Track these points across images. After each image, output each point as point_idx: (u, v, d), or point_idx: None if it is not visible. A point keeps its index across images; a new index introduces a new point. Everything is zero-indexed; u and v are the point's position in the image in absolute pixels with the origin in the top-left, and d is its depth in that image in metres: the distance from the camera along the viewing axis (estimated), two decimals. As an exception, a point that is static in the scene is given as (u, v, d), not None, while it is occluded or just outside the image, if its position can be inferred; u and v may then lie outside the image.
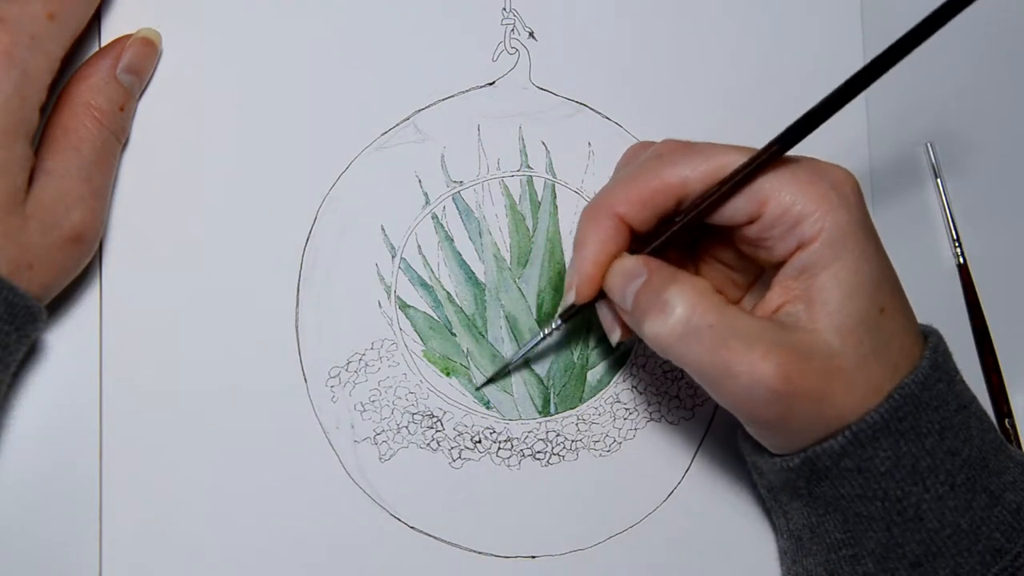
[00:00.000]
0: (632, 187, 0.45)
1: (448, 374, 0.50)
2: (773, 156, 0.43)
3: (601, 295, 0.47)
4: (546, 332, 0.49)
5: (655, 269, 0.45)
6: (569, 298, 0.47)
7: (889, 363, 0.43)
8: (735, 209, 0.44)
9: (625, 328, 0.47)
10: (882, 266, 0.44)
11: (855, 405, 0.43)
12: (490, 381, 0.50)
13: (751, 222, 0.44)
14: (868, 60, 0.43)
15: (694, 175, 0.45)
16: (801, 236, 0.43)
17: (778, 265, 0.45)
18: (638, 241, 0.46)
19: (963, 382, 0.46)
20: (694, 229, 0.47)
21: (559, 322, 0.48)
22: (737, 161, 0.44)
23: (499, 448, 0.50)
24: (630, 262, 0.45)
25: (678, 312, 0.43)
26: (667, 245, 0.46)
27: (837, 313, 0.43)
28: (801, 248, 0.43)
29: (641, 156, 0.47)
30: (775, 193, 0.43)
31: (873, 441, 0.43)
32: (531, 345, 0.49)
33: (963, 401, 0.45)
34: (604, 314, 0.48)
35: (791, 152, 0.44)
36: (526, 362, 0.51)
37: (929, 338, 0.46)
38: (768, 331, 0.43)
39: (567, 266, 0.51)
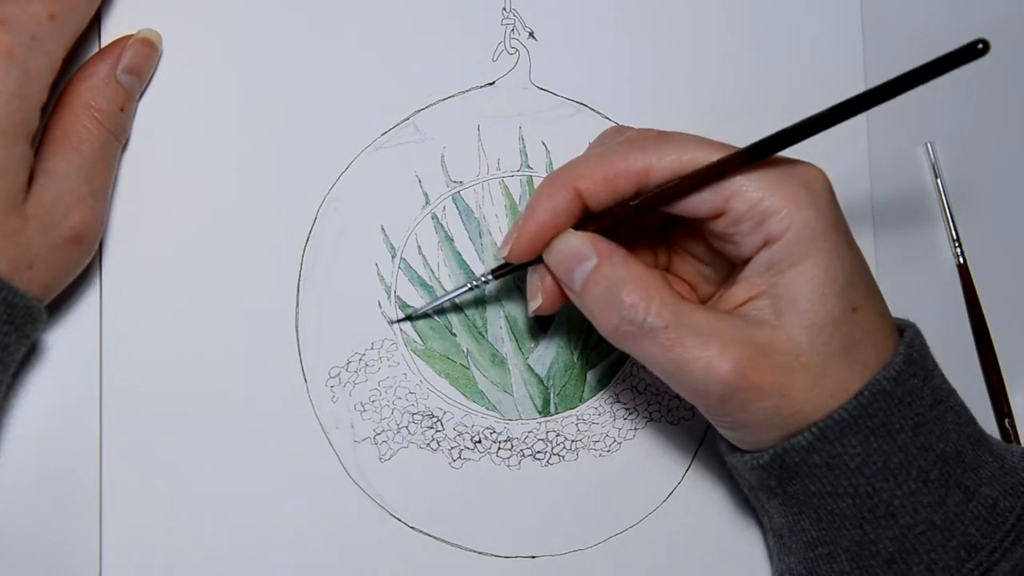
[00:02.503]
0: (596, 164, 0.45)
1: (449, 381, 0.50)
2: (740, 164, 0.43)
3: (534, 261, 0.46)
4: (472, 284, 0.48)
5: (605, 253, 0.44)
6: (502, 253, 0.46)
7: (859, 361, 0.43)
8: (700, 202, 0.44)
9: (550, 300, 0.46)
10: (854, 265, 0.44)
11: (821, 403, 0.43)
12: (406, 319, 0.49)
13: (717, 216, 0.44)
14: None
15: (659, 164, 0.44)
16: (768, 232, 0.43)
17: (746, 261, 0.44)
18: (590, 220, 0.46)
19: (941, 376, 0.46)
20: (666, 220, 0.46)
21: (489, 277, 0.48)
22: (705, 159, 0.43)
23: (499, 448, 0.50)
24: (577, 240, 0.45)
25: (632, 311, 0.43)
26: (615, 227, 0.45)
27: (806, 311, 0.43)
28: (768, 244, 0.43)
29: (614, 139, 0.47)
30: (742, 188, 0.43)
31: (841, 437, 0.43)
32: (455, 295, 0.49)
33: (939, 396, 0.45)
34: (533, 281, 0.47)
35: None
36: (526, 363, 0.51)
37: (905, 332, 0.45)
38: (726, 327, 0.43)
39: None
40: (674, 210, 0.45)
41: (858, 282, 0.44)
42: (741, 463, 0.46)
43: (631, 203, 0.45)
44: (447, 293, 0.49)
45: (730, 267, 0.47)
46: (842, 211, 0.45)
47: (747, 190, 0.43)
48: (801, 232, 0.43)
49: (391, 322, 0.49)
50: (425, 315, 0.50)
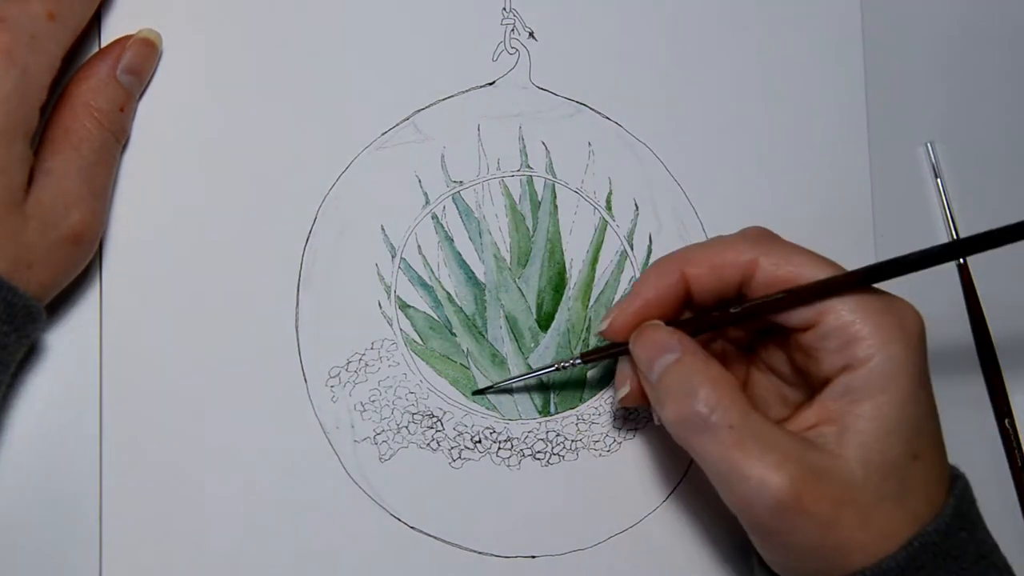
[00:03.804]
0: (705, 251, 0.46)
1: (452, 383, 0.50)
2: (846, 286, 0.43)
3: (624, 351, 0.47)
4: (561, 365, 0.49)
5: (690, 350, 0.44)
6: (602, 327, 0.47)
7: (910, 510, 0.43)
8: (794, 312, 0.44)
9: (635, 395, 0.47)
10: (927, 413, 0.44)
11: (867, 544, 0.42)
12: (486, 391, 0.50)
13: (806, 328, 0.44)
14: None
15: (766, 263, 0.45)
16: (852, 356, 0.43)
17: (823, 384, 0.44)
18: (685, 324, 0.46)
19: (985, 529, 0.45)
20: (751, 334, 0.47)
21: (578, 361, 0.48)
22: (810, 272, 0.44)
23: (499, 448, 0.50)
24: (664, 333, 0.45)
25: (702, 405, 0.43)
26: (712, 333, 0.46)
27: (868, 447, 0.42)
28: (848, 369, 0.43)
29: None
30: (837, 307, 0.43)
31: None
32: (538, 374, 0.50)
33: (983, 551, 0.44)
34: (623, 369, 0.48)
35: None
36: (526, 363, 0.51)
37: (955, 483, 0.45)
38: (790, 444, 0.42)
39: (608, 306, 0.50)
40: (770, 317, 0.45)
41: (925, 430, 0.44)
42: None
43: (732, 311, 0.45)
44: (532, 372, 0.50)
45: (806, 392, 0.47)
46: (927, 358, 0.44)
47: (842, 310, 0.43)
48: (884, 365, 0.43)
49: (473, 393, 0.50)
50: (503, 390, 0.50)
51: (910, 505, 0.43)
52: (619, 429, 0.51)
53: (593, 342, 0.51)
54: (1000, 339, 0.56)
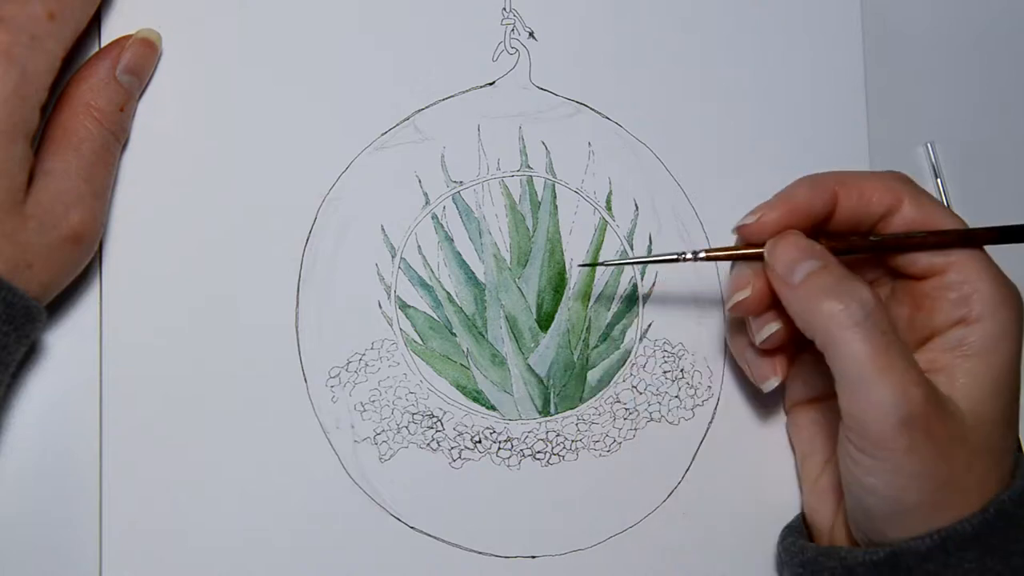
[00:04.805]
0: (860, 177, 0.47)
1: (455, 385, 0.50)
2: (988, 239, 0.45)
3: (756, 256, 0.46)
4: (682, 256, 0.47)
5: (833, 262, 0.45)
6: (749, 219, 0.46)
7: (997, 470, 0.44)
8: (924, 256, 0.46)
9: (757, 300, 0.46)
10: (1019, 384, 0.45)
11: (968, 489, 0.43)
12: (598, 264, 0.50)
13: (927, 277, 0.46)
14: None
15: (910, 203, 0.46)
16: (968, 311, 0.44)
17: (930, 336, 0.45)
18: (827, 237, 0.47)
19: None
20: (867, 273, 0.48)
21: (701, 254, 0.47)
22: (945, 221, 0.46)
23: (499, 448, 0.50)
24: (806, 241, 0.45)
25: (862, 302, 0.43)
26: (843, 254, 0.46)
27: (975, 399, 0.44)
28: (963, 323, 0.44)
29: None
30: (963, 261, 0.45)
31: (960, 551, 0.43)
32: (647, 260, 0.49)
33: None
34: (743, 273, 0.46)
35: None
36: (526, 363, 0.51)
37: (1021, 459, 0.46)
38: (922, 369, 0.43)
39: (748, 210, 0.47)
40: (897, 261, 0.46)
41: (1015, 401, 0.45)
42: (851, 556, 0.45)
43: (872, 238, 0.46)
44: (640, 258, 0.49)
45: (913, 343, 0.47)
46: None
47: (967, 264, 0.45)
48: (996, 326, 0.44)
49: (581, 265, 0.50)
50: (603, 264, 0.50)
51: (1000, 465, 0.44)
52: (619, 429, 0.51)
53: (593, 341, 0.51)
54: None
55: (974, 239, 0.45)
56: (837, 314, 0.43)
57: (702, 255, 0.47)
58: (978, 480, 0.43)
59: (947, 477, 0.43)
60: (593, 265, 0.50)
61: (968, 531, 0.43)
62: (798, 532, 0.49)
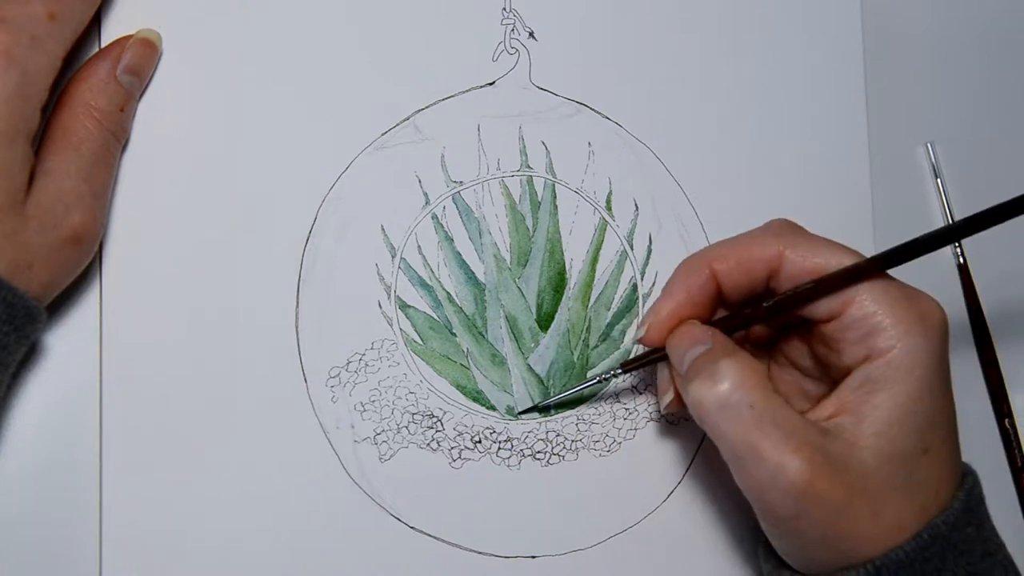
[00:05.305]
0: (732, 247, 0.46)
1: (457, 387, 0.50)
2: (871, 271, 0.44)
3: (664, 357, 0.47)
4: (603, 377, 0.49)
5: (720, 342, 0.45)
6: (639, 334, 0.47)
7: (919, 502, 0.43)
8: (820, 303, 0.45)
9: (679, 398, 0.47)
10: (942, 407, 0.44)
11: (877, 535, 0.42)
12: (530, 411, 0.50)
13: (829, 320, 0.45)
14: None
15: (792, 256, 0.45)
16: (872, 347, 0.43)
17: (844, 375, 0.45)
18: (718, 322, 0.47)
19: (993, 529, 0.45)
20: (773, 330, 0.48)
21: (619, 371, 0.48)
22: (836, 261, 0.44)
23: (499, 448, 0.50)
24: (699, 327, 0.46)
25: (725, 383, 0.43)
26: (744, 328, 0.47)
27: (881, 436, 0.43)
28: (868, 360, 0.43)
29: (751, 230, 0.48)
30: (861, 297, 0.44)
31: None
32: (578, 389, 0.50)
33: (990, 548, 0.44)
34: (663, 375, 0.48)
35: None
36: (526, 363, 0.51)
37: (965, 479, 0.45)
38: (808, 430, 0.43)
39: (644, 311, 0.50)
40: (801, 311, 0.45)
41: (939, 425, 0.44)
42: None
43: (765, 305, 0.46)
44: (573, 387, 0.50)
45: (827, 385, 0.47)
46: (948, 353, 0.45)
47: (865, 300, 0.44)
48: (903, 357, 0.43)
49: (517, 414, 0.50)
50: (545, 408, 0.50)
51: (919, 498, 0.43)
52: (619, 429, 0.51)
53: (593, 341, 0.52)
54: (1000, 339, 0.56)
55: (858, 275, 0.44)
56: (704, 397, 0.44)
57: (620, 372, 0.49)
58: (890, 522, 0.42)
59: (850, 532, 0.42)
60: (530, 410, 0.50)
61: (902, 559, 0.42)
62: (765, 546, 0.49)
